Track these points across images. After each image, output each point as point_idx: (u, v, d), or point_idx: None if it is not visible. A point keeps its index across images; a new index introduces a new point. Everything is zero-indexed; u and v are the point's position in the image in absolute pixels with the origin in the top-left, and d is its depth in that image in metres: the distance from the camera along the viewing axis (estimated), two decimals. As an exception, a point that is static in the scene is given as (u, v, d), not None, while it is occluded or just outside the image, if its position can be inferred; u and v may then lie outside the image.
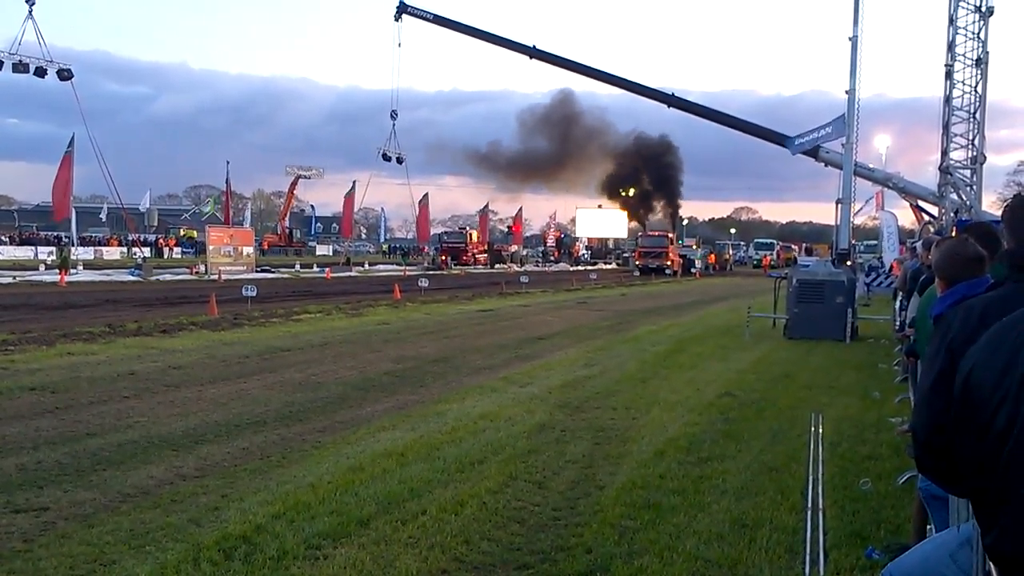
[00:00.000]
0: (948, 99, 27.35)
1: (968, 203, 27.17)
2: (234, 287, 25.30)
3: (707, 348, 15.38)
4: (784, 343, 16.48)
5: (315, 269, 49.72)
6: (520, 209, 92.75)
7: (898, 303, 12.67)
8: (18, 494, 5.94)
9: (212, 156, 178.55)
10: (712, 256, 75.46)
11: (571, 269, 65.87)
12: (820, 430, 7.39)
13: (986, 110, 27.21)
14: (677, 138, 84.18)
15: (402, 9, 43.67)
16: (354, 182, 73.07)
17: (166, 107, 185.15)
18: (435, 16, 45.41)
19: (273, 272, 43.81)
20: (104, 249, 65.97)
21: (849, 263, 20.42)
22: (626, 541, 5.14)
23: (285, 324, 17.89)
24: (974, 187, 27.64)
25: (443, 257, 64.67)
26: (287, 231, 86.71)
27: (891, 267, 25.56)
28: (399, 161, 52.37)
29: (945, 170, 27.91)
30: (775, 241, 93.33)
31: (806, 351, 15.19)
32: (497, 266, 66.51)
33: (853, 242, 28.14)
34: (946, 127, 27.65)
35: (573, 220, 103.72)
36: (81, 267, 40.26)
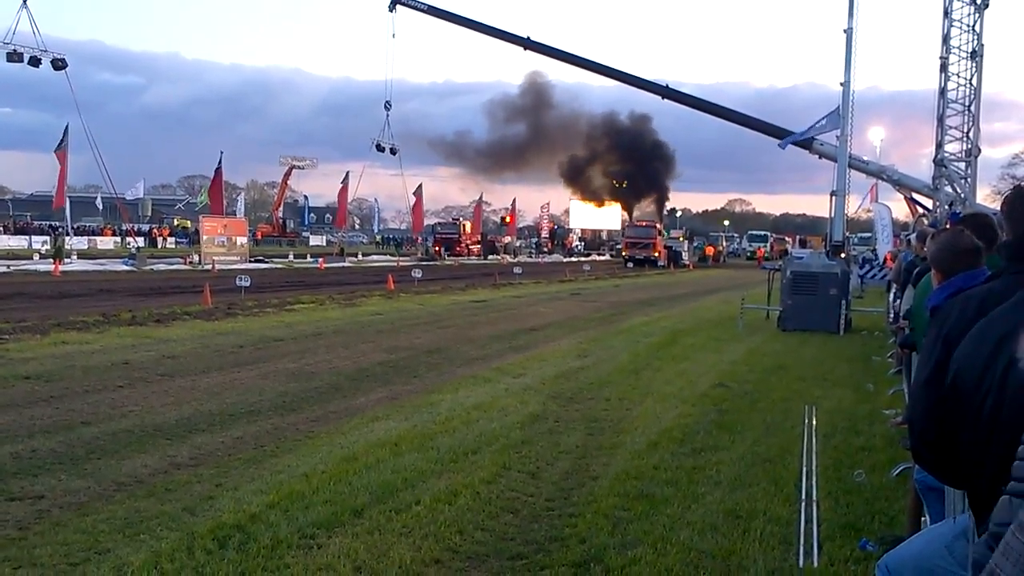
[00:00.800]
0: (943, 92, 27.43)
1: (962, 195, 27.26)
2: (228, 277, 25.28)
3: (700, 339, 15.40)
4: (777, 335, 16.51)
5: (309, 259, 49.60)
6: (514, 200, 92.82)
7: (892, 295, 12.72)
8: (13, 482, 5.93)
9: (205, 146, 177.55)
10: (711, 248, 75.53)
11: (564, 260, 65.77)
12: (814, 421, 7.42)
13: (981, 103, 27.30)
14: (672, 131, 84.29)
15: (396, -1, 43.65)
16: (348, 172, 72.89)
17: (159, 97, 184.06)
18: (429, 7, 45.37)
19: (267, 262, 43.70)
20: (98, 239, 65.65)
21: (843, 255, 20.47)
22: (620, 531, 5.15)
23: (279, 314, 17.85)
24: (968, 180, 27.75)
25: (437, 248, 64.72)
26: (281, 221, 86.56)
27: (885, 259, 25.65)
28: (393, 152, 52.34)
29: (940, 163, 28.00)
30: (768, 233, 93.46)
31: (799, 343, 15.22)
32: (491, 257, 66.53)
33: (847, 234, 28.22)
34: (941, 120, 27.72)
35: (567, 211, 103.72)
36: (75, 256, 40.11)
